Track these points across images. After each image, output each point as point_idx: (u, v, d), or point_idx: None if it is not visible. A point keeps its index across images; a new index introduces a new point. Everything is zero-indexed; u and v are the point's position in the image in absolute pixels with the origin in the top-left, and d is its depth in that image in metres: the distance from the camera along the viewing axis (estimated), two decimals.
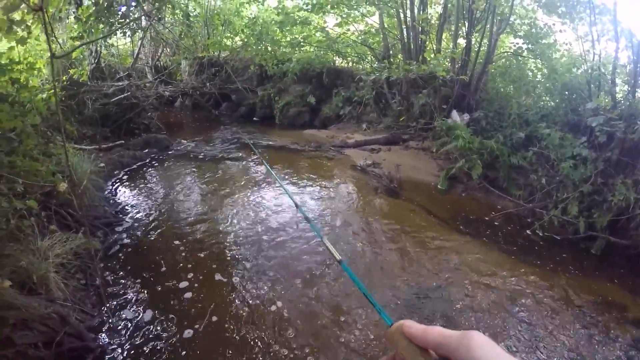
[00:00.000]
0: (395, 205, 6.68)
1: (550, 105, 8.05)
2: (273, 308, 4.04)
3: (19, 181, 4.15)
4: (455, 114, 8.54)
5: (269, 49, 12.66)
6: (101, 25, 6.70)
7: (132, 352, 3.40)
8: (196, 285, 4.33)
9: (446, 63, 9.36)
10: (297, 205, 1.77)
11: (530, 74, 9.08)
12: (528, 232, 6.05)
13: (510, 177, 7.08)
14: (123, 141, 8.55)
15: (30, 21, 4.84)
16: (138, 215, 5.81)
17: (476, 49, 8.97)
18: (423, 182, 7.75)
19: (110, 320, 3.73)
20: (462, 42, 9.59)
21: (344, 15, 12.13)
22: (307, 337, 3.67)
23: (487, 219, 6.41)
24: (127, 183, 6.93)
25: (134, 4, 7.08)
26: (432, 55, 9.86)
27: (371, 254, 5.12)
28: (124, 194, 6.50)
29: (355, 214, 6.25)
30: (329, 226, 5.77)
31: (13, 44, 4.71)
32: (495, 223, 6.28)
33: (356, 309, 4.03)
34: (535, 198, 6.61)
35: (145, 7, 7.60)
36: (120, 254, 4.81)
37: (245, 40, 13.22)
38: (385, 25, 11.38)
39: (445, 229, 6.00)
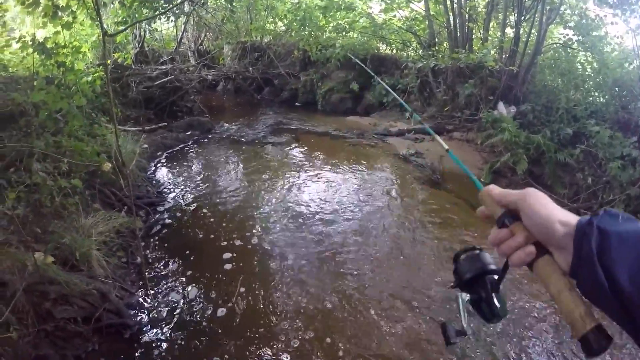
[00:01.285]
0: (437, 197, 6.56)
1: (600, 102, 7.72)
2: (308, 288, 4.08)
3: (64, 160, 4.26)
4: (501, 105, 8.30)
5: (312, 34, 12.56)
6: (145, 10, 6.79)
7: (169, 329, 3.49)
8: (235, 264, 4.43)
9: (494, 53, 9.07)
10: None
11: (579, 67, 8.69)
12: None
13: (556, 175, 6.83)
14: (166, 123, 8.71)
15: (75, 6, 4.95)
16: (179, 196, 5.92)
17: (525, 39, 8.68)
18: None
19: (149, 298, 3.81)
20: (509, 31, 9.29)
21: (389, 1, 11.92)
22: (339, 320, 3.64)
23: None
24: (170, 164, 7.06)
25: None
26: (480, 44, 9.59)
27: (410, 244, 5.06)
28: (166, 175, 6.64)
29: (397, 203, 6.20)
30: (369, 213, 5.72)
31: (59, 28, 4.82)
32: None
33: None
34: (580, 198, 6.39)
35: None
36: (161, 233, 4.93)
37: (288, 25, 13.17)
38: (432, 12, 11.12)
39: (487, 223, 5.82)
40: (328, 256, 4.66)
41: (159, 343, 3.35)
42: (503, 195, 0.85)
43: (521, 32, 8.75)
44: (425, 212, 5.97)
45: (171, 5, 7.11)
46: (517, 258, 0.78)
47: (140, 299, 3.81)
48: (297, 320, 3.69)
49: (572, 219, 0.74)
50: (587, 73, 8.59)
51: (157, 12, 6.99)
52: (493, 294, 0.92)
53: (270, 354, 3.34)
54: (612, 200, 5.86)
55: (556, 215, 0.75)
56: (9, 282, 2.99)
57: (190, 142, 8.15)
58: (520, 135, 7.16)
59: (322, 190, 6.39)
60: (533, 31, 8.60)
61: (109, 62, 7.83)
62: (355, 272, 4.41)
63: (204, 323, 3.58)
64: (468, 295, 0.98)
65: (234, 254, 4.58)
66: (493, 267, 0.95)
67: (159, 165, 6.97)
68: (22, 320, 2.94)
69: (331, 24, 12.86)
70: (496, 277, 0.93)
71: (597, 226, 0.68)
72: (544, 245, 0.77)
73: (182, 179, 6.56)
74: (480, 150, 8.26)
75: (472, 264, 0.96)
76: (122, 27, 4.82)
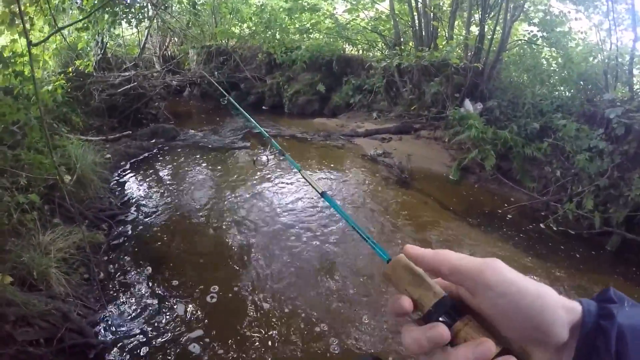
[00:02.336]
0: (406, 196, 6.56)
1: (566, 96, 7.83)
2: (283, 295, 4.01)
3: (22, 175, 4.10)
4: (468, 103, 8.36)
5: (278, 36, 12.48)
6: (106, 15, 6.62)
7: (135, 348, 3.35)
8: (204, 279, 4.27)
9: (459, 51, 9.15)
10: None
11: (544, 62, 8.83)
12: (542, 225, 5.91)
13: (524, 169, 6.92)
14: (130, 132, 8.47)
15: (32, 13, 4.78)
16: (144, 207, 5.76)
17: (489, 37, 8.77)
18: (435, 172, 7.62)
19: (112, 315, 3.68)
20: (474, 29, 9.38)
21: (354, 2, 11.91)
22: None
23: (500, 211, 6.27)
24: (134, 174, 6.87)
25: None
26: (444, 43, 9.67)
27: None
28: (130, 186, 6.46)
29: (366, 205, 6.17)
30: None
31: (16, 36, 4.65)
32: (509, 216, 6.14)
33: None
34: (549, 191, 6.47)
35: None
36: (125, 246, 4.79)
37: (254, 28, 13.06)
38: (396, 12, 11.13)
39: (457, 221, 5.89)
40: (311, 266, 4.59)
41: None
42: (440, 257, 0.55)
43: (486, 29, 8.83)
44: (395, 213, 5.96)
45: (133, 10, 6.94)
46: None
47: (104, 317, 3.67)
48: (274, 333, 3.61)
49: (574, 302, 0.51)
50: (552, 68, 8.71)
51: (118, 17, 6.81)
52: None
53: None
54: (581, 192, 5.94)
55: (553, 295, 0.50)
56: None
57: (154, 150, 7.94)
58: (487, 131, 7.22)
59: (289, 195, 6.30)
60: (498, 28, 8.68)
61: (70, 69, 7.66)
62: (336, 285, 4.36)
63: (173, 339, 3.46)
64: None
65: (202, 265, 4.48)
66: None
67: (122, 175, 6.77)
68: None
69: (296, 25, 12.79)
70: None
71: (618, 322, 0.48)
72: (522, 336, 0.51)
73: (146, 189, 6.40)
74: (448, 148, 8.31)
75: None
76: (46, 36, 4.64)
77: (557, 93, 8.06)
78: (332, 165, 7.64)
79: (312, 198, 6.10)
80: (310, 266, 4.59)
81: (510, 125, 7.33)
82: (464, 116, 7.81)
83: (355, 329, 3.69)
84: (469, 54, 9.06)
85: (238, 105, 2.00)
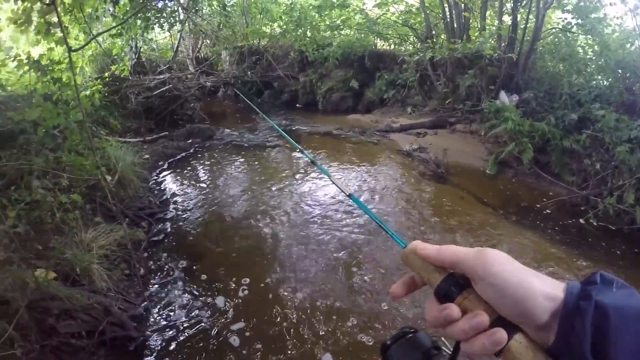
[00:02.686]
0: (442, 191, 6.51)
1: (604, 85, 7.58)
2: (319, 292, 4.02)
3: (63, 176, 4.25)
4: (503, 95, 8.21)
5: (309, 34, 12.53)
6: (138, 21, 6.80)
7: (174, 341, 3.44)
8: (241, 271, 4.36)
9: (492, 41, 8.98)
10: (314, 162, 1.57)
11: (580, 51, 8.57)
12: (581, 221, 5.73)
13: (563, 162, 6.73)
14: (167, 132, 8.67)
15: (67, 22, 4.93)
16: (182, 205, 5.90)
17: (523, 26, 8.59)
18: (471, 166, 7.52)
19: (152, 310, 3.78)
20: (507, 19, 9.20)
21: None
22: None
23: (538, 206, 6.14)
24: (171, 173, 7.03)
25: None
26: (477, 34, 9.50)
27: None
28: (168, 185, 6.60)
29: (402, 200, 6.14)
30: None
31: (52, 45, 4.80)
32: (547, 211, 6.01)
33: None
34: (589, 184, 6.27)
35: (181, 0, 7.63)
36: (164, 243, 4.92)
37: (284, 26, 13.15)
38: (426, 4, 11.01)
39: (494, 216, 5.79)
40: (339, 260, 4.61)
41: (164, 354, 3.31)
42: (447, 255, 0.62)
43: (519, 18, 8.67)
44: (431, 207, 5.91)
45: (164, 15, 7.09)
46: (480, 347, 0.56)
47: (145, 310, 3.78)
48: (313, 329, 3.63)
49: (558, 289, 0.56)
50: (588, 56, 8.46)
51: (150, 22, 6.97)
52: None
53: None
54: (622, 186, 5.75)
55: (536, 285, 0.56)
56: (11, 299, 2.98)
57: (191, 150, 8.11)
58: (524, 124, 7.07)
59: (326, 192, 6.32)
60: (531, 17, 8.50)
61: (106, 74, 7.88)
62: (362, 277, 4.37)
63: (210, 333, 3.54)
64: None
65: (240, 262, 4.55)
66: (435, 351, 0.72)
67: (161, 175, 6.94)
68: (26, 336, 2.93)
69: (326, 22, 12.82)
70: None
71: (595, 302, 0.53)
72: (509, 319, 0.57)
73: (184, 187, 6.54)
74: (484, 142, 8.18)
75: (407, 356, 0.72)
76: (85, 41, 4.79)
77: (594, 82, 7.82)
78: (367, 161, 7.63)
79: (341, 194, 6.11)
80: (338, 259, 4.62)
81: (547, 117, 7.14)
82: (500, 109, 7.67)
83: (380, 322, 3.71)
84: (503, 44, 8.90)
85: (269, 120, 2.04)
